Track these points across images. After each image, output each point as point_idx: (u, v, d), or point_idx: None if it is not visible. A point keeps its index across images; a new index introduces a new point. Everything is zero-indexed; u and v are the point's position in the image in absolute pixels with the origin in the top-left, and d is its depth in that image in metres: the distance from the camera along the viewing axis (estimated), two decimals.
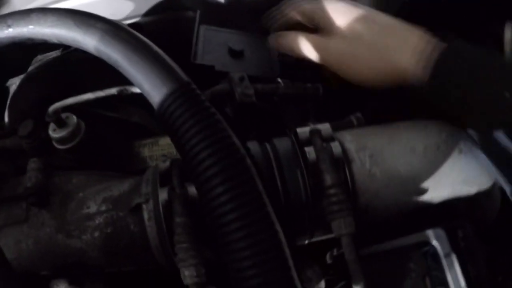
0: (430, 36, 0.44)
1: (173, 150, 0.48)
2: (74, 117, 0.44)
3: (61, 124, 0.43)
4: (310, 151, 0.40)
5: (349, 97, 0.58)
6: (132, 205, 0.39)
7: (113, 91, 0.43)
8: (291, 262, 0.35)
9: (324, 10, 0.48)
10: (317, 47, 0.48)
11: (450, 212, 0.47)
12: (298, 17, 0.50)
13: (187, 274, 0.35)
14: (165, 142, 0.48)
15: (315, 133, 0.41)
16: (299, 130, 0.41)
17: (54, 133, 0.44)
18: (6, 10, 0.58)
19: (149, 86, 0.38)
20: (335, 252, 0.43)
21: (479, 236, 0.45)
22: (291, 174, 0.40)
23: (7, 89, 0.52)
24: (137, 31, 0.57)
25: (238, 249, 0.33)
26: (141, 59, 0.38)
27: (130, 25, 0.58)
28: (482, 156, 0.45)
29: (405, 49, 0.44)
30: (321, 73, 0.55)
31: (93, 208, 0.41)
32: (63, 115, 0.44)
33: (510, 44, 0.48)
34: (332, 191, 0.38)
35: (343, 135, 0.43)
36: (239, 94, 0.48)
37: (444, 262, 0.41)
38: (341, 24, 0.47)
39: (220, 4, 0.61)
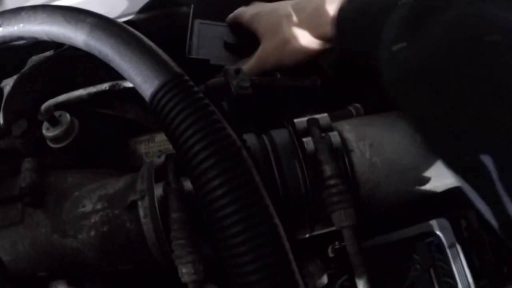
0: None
1: (169, 146, 0.47)
2: (68, 115, 0.43)
3: (54, 122, 0.43)
4: (308, 141, 0.39)
5: (348, 89, 0.57)
6: (128, 202, 0.39)
7: (104, 86, 0.42)
8: (291, 256, 0.34)
9: (248, 17, 0.55)
10: (254, 63, 0.53)
11: (453, 201, 0.46)
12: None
13: (185, 271, 0.35)
14: (162, 138, 0.47)
15: (313, 123, 0.40)
16: (296, 120, 0.40)
17: (48, 132, 0.43)
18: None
19: (141, 79, 0.37)
20: (337, 245, 0.42)
21: (484, 226, 0.44)
22: (289, 166, 0.39)
23: (1, 91, 0.52)
24: (132, 28, 0.57)
25: (236, 244, 0.32)
26: (132, 52, 0.38)
27: (124, 22, 0.58)
28: None
29: (316, 20, 0.49)
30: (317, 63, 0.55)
31: (88, 207, 0.40)
32: (57, 114, 0.44)
33: None
34: (331, 182, 0.37)
35: (342, 125, 0.42)
36: (235, 86, 0.47)
37: (449, 252, 0.40)
38: (256, 26, 0.54)
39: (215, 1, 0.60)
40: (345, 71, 0.58)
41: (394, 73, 0.38)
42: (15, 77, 0.49)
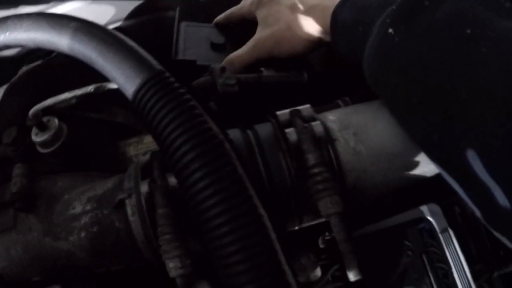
0: None
1: (158, 147, 0.47)
2: (56, 120, 0.44)
3: (42, 127, 0.43)
4: (291, 132, 0.39)
5: (336, 83, 0.57)
6: (115, 201, 0.39)
7: (90, 88, 0.42)
8: (277, 246, 0.34)
9: (249, 5, 0.56)
10: (250, 48, 0.53)
11: (446, 187, 0.45)
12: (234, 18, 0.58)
13: (172, 266, 0.35)
14: (150, 139, 0.47)
15: (295, 114, 0.40)
16: (279, 113, 0.41)
17: (37, 137, 0.43)
18: None
19: (123, 79, 0.38)
20: (327, 235, 0.41)
21: None
22: (274, 158, 0.39)
23: None
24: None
25: (220, 235, 0.32)
26: (114, 53, 0.38)
27: (113, 29, 0.59)
28: None
29: (313, 16, 0.50)
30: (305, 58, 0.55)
31: (78, 209, 0.41)
32: (45, 119, 0.44)
33: None
34: (315, 170, 0.37)
35: (325, 116, 0.42)
36: (221, 84, 0.48)
37: (441, 237, 0.39)
38: (257, 14, 0.54)
39: (199, 1, 0.61)
40: (333, 66, 0.58)
41: (379, 59, 0.39)
42: (5, 86, 0.50)
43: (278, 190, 0.39)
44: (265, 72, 0.51)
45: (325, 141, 0.39)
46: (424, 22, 0.35)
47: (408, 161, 0.41)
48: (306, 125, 0.39)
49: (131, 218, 0.38)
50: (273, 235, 0.34)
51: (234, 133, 0.41)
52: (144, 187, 0.38)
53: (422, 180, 0.42)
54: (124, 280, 0.44)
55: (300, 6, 0.52)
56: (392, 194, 0.42)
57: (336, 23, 0.46)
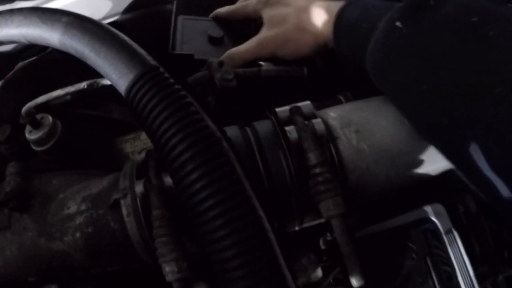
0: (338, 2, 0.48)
1: None
2: (50, 117, 0.43)
3: (36, 125, 0.42)
4: (291, 130, 0.37)
5: (338, 78, 0.56)
6: (110, 201, 0.38)
7: (83, 85, 0.41)
8: (277, 249, 0.32)
9: (255, 4, 0.55)
10: (253, 45, 0.52)
11: (449, 186, 0.44)
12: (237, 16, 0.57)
13: (168, 270, 0.34)
14: (146, 136, 0.46)
15: (295, 111, 0.39)
16: (278, 109, 0.39)
17: (30, 134, 0.42)
18: None
19: (117, 74, 0.36)
20: (328, 236, 0.40)
21: (482, 211, 0.42)
22: (273, 157, 0.38)
23: None
24: (117, 29, 0.56)
25: (218, 238, 0.31)
26: (107, 48, 0.37)
27: (110, 23, 0.57)
28: None
29: (320, 19, 0.49)
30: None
31: (73, 208, 0.40)
32: (39, 116, 0.43)
33: None
34: (317, 170, 0.35)
35: (326, 113, 0.41)
36: (219, 79, 0.46)
37: (445, 239, 0.38)
38: (263, 14, 0.54)
39: None
40: (335, 61, 0.57)
41: (385, 51, 0.38)
42: None
43: (278, 190, 0.38)
44: (264, 67, 0.50)
45: (327, 139, 0.38)
46: (431, 15, 0.35)
47: (412, 159, 0.40)
48: (306, 122, 0.38)
49: (126, 219, 0.37)
50: (272, 238, 0.33)
51: (232, 131, 0.40)
52: (139, 187, 0.37)
53: (426, 178, 0.41)
54: (121, 281, 0.44)
55: (308, 9, 0.51)
56: (395, 192, 0.41)
57: (340, 22, 0.46)
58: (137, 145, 0.46)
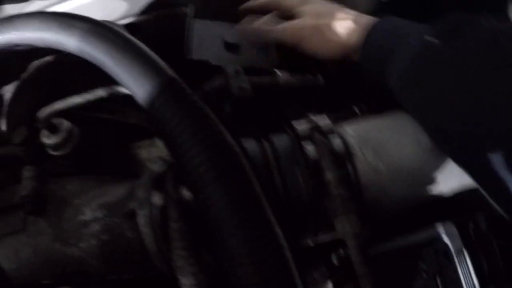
0: (370, 16, 0.49)
1: None
2: (67, 122, 0.43)
3: (53, 130, 0.42)
4: (310, 147, 0.38)
5: (352, 87, 0.56)
6: (127, 211, 0.38)
7: (101, 92, 0.41)
8: (294, 268, 0.33)
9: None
10: (280, 26, 0.53)
11: (460, 204, 0.45)
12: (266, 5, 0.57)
13: (186, 283, 0.34)
14: (163, 144, 0.46)
15: (314, 127, 0.39)
16: (297, 125, 0.40)
17: (47, 139, 0.43)
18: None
19: (135, 84, 0.36)
20: (341, 253, 0.41)
21: (492, 229, 0.43)
22: (291, 173, 0.38)
23: (0, 97, 0.52)
24: (133, 30, 0.56)
25: (236, 255, 0.32)
26: (125, 57, 0.37)
27: (126, 25, 0.57)
28: None
29: (350, 26, 0.49)
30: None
31: (88, 215, 0.40)
32: (56, 121, 0.43)
33: None
34: (334, 188, 0.36)
35: (344, 129, 0.41)
36: (235, 88, 0.46)
37: (456, 259, 0.39)
38: (301, 8, 0.53)
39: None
40: (349, 70, 0.57)
41: (417, 63, 0.39)
42: (15, 83, 0.49)
43: (294, 205, 0.38)
44: (280, 75, 0.50)
45: (344, 157, 0.38)
46: (467, 35, 0.37)
47: (426, 178, 0.40)
48: (325, 140, 0.38)
49: (142, 229, 0.37)
50: (289, 255, 0.33)
51: (250, 144, 0.40)
52: (157, 198, 0.37)
53: (439, 197, 0.41)
54: (135, 287, 0.44)
55: (341, 14, 0.51)
56: (409, 210, 0.41)
57: (371, 36, 0.46)
58: (153, 152, 0.46)
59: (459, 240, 0.40)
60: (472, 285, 0.38)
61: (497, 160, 0.33)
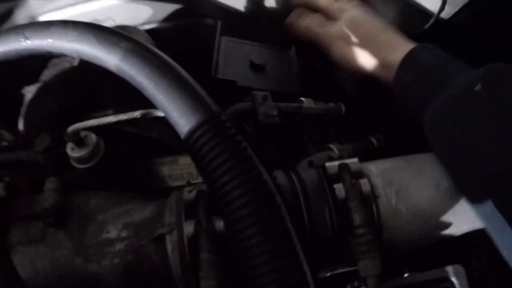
0: (410, 40, 0.49)
1: (193, 170, 0.47)
2: (94, 136, 0.43)
3: (79, 143, 0.42)
4: (339, 188, 0.39)
5: (368, 115, 0.57)
6: (155, 235, 0.39)
7: (136, 114, 0.41)
8: None
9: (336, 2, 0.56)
10: (324, 30, 0.54)
11: (468, 244, 0.47)
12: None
13: None
14: (185, 161, 0.47)
15: (344, 169, 0.40)
16: (328, 164, 0.41)
17: (73, 152, 0.42)
18: (23, 10, 0.55)
19: (177, 114, 0.37)
20: (355, 285, 0.43)
21: (494, 267, 0.45)
22: (318, 210, 0.39)
23: (21, 96, 0.50)
24: (155, 37, 0.55)
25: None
26: (168, 84, 0.37)
27: (148, 31, 0.56)
28: None
29: (392, 47, 0.49)
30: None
31: (113, 233, 0.40)
32: (82, 134, 0.43)
33: None
34: (360, 231, 0.37)
35: (369, 169, 0.42)
36: (263, 114, 0.47)
37: None
38: (345, 16, 0.54)
39: (241, 13, 0.59)
40: (368, 96, 0.58)
41: (455, 109, 0.40)
42: (37, 84, 0.48)
43: (319, 241, 0.39)
44: (305, 103, 0.51)
45: (370, 199, 0.39)
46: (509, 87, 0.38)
47: (442, 221, 0.42)
48: (353, 181, 0.39)
49: (170, 254, 0.38)
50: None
51: (280, 176, 0.41)
52: (189, 227, 0.37)
53: (450, 239, 0.44)
54: None
55: (380, 32, 0.52)
56: (422, 249, 0.43)
57: (410, 62, 0.46)
58: (175, 169, 0.47)
59: (466, 281, 0.42)
60: None
61: None
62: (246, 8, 0.58)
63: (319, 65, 0.60)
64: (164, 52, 0.52)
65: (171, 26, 0.58)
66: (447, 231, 0.43)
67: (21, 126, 0.48)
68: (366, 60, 0.51)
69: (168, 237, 0.38)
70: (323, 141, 0.51)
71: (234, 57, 0.54)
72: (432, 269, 0.43)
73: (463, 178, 0.40)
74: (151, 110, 0.41)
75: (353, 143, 0.51)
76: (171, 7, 0.57)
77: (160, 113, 0.41)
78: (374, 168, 0.43)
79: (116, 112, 0.47)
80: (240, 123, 0.48)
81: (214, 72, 0.51)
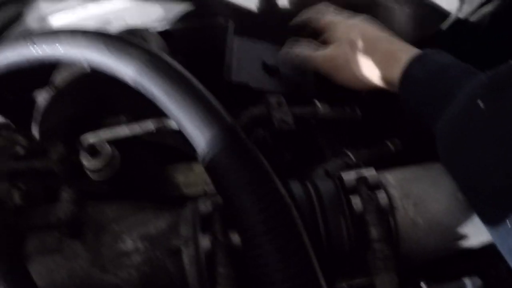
0: (413, 48, 0.47)
1: (208, 178, 0.46)
2: (109, 146, 0.42)
3: (94, 153, 0.42)
4: (356, 201, 0.38)
5: (384, 120, 0.56)
6: (171, 247, 0.39)
7: (151, 126, 0.41)
8: None
9: (325, 21, 0.54)
10: (315, 54, 0.52)
11: (486, 252, 0.46)
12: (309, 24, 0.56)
13: None
14: (200, 169, 0.46)
15: (361, 181, 0.39)
16: (344, 176, 0.40)
17: (88, 163, 0.42)
18: (32, 13, 0.54)
19: (192, 126, 0.36)
20: None
21: None
22: (335, 222, 0.39)
23: (32, 99, 0.50)
24: (167, 38, 0.54)
25: None
26: (183, 97, 0.37)
27: (161, 33, 0.55)
28: None
29: (391, 60, 0.47)
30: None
31: (129, 245, 0.40)
32: (97, 144, 0.42)
33: None
34: (377, 245, 0.37)
35: (387, 179, 0.42)
36: (278, 120, 0.46)
37: None
38: (338, 34, 0.52)
39: (253, 13, 0.57)
40: (382, 99, 0.57)
41: (461, 127, 0.38)
42: (48, 89, 0.47)
43: (335, 253, 0.39)
44: (320, 108, 0.50)
45: (388, 211, 0.39)
46: None
47: (460, 233, 0.41)
48: (371, 194, 0.39)
49: (187, 268, 0.38)
50: None
51: (295, 187, 0.40)
52: (205, 241, 0.37)
53: (468, 250, 0.43)
54: None
55: (380, 46, 0.49)
56: (438, 261, 0.43)
57: (411, 72, 0.45)
58: (190, 176, 0.46)
59: None
60: None
61: None
62: (258, 8, 0.57)
63: None
64: (175, 52, 0.51)
65: (182, 27, 0.57)
66: (465, 243, 0.42)
67: (36, 132, 0.48)
68: (368, 80, 0.49)
69: (184, 250, 0.38)
70: (339, 145, 0.50)
71: (246, 59, 0.53)
72: (449, 280, 0.42)
73: (468, 192, 0.39)
74: (166, 121, 0.41)
75: (369, 149, 0.50)
76: (183, 8, 0.56)
77: (175, 126, 0.41)
78: (391, 178, 0.42)
79: (128, 118, 0.47)
80: (255, 128, 0.48)
81: (227, 75, 0.50)
